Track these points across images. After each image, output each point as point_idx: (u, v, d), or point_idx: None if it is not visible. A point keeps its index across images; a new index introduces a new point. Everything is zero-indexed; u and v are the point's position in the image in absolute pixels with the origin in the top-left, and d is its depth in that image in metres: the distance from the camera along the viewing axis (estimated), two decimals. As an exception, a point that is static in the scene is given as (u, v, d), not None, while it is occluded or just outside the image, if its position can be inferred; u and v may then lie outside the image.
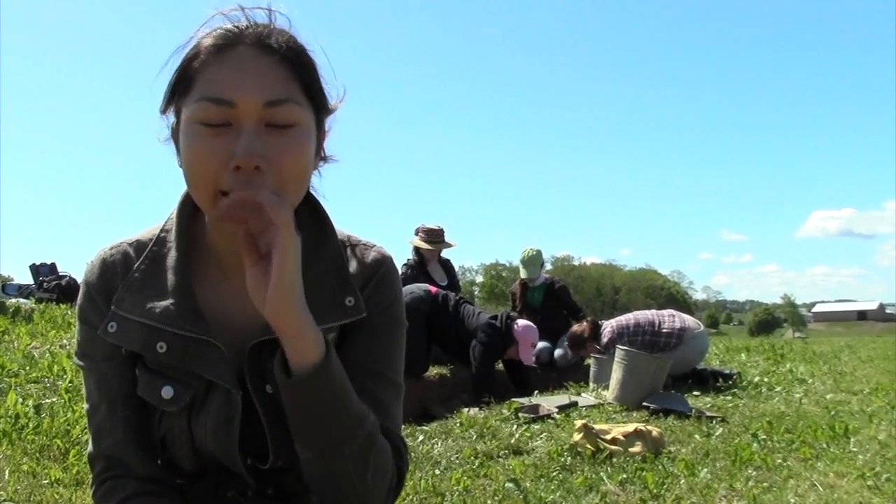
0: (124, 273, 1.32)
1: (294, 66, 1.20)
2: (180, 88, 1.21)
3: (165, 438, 1.34)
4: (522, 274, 8.32)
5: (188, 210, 1.34)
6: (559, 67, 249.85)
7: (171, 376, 1.30)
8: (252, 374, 1.29)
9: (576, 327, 6.98)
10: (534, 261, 8.21)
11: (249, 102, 1.14)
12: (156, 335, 1.27)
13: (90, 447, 1.37)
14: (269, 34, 1.20)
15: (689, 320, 6.70)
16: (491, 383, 6.15)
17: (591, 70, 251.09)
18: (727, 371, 6.79)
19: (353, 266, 1.37)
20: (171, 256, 1.32)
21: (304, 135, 1.19)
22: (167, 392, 1.29)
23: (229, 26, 1.20)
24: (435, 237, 7.85)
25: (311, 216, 1.38)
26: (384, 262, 1.41)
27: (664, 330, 6.45)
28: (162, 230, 1.35)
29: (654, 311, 6.87)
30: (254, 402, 1.29)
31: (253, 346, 1.29)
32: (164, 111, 1.26)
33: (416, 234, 7.88)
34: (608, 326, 6.68)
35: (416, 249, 7.84)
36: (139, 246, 1.35)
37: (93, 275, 1.34)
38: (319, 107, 1.26)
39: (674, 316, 6.70)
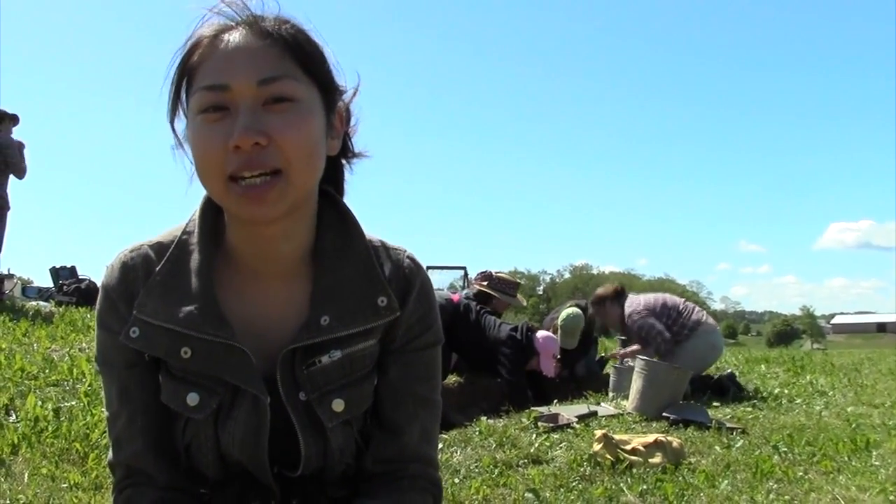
0: (145, 277, 1.29)
1: (289, 45, 1.19)
2: (185, 86, 1.22)
3: (190, 446, 1.32)
4: (560, 339, 6.90)
5: (211, 212, 1.33)
6: (580, 77, 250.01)
7: (196, 383, 1.28)
8: (285, 381, 1.28)
9: (601, 290, 7.07)
10: (575, 331, 7.05)
11: (243, 83, 1.14)
12: (180, 340, 1.24)
13: (110, 455, 1.36)
14: (264, 19, 1.20)
15: (708, 316, 6.85)
16: (526, 391, 6.17)
17: (611, 81, 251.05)
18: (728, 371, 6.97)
19: (387, 268, 1.36)
20: (195, 259, 1.29)
21: (305, 109, 1.18)
22: (192, 399, 1.27)
23: (225, 20, 1.21)
24: (512, 289, 7.32)
25: (337, 217, 1.36)
26: (420, 270, 1.40)
27: (682, 316, 6.64)
28: (183, 232, 1.33)
29: (681, 299, 7.05)
30: (278, 409, 1.28)
31: (286, 353, 1.27)
32: (172, 113, 1.25)
33: (486, 280, 7.27)
34: (638, 303, 6.76)
35: (483, 296, 7.18)
36: (160, 248, 1.32)
37: (113, 278, 1.31)
38: (324, 85, 1.24)
39: (696, 308, 6.87)
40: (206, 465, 1.33)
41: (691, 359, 6.31)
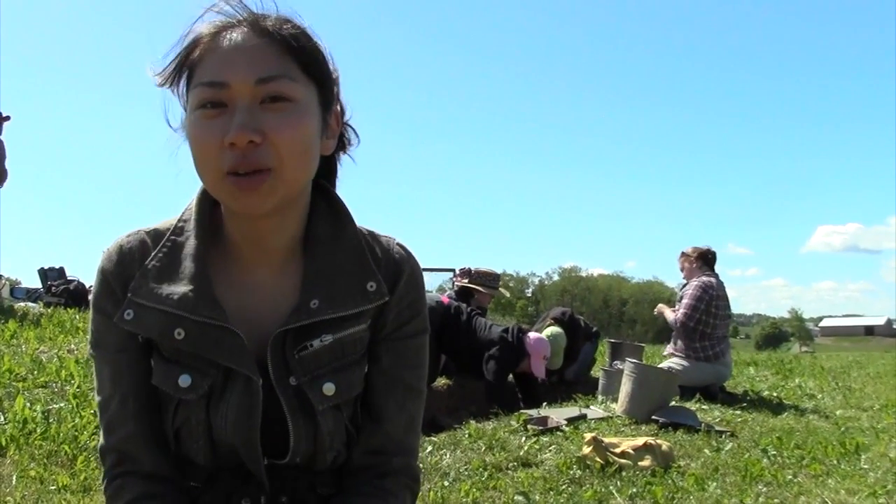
0: (141, 261, 1.31)
1: (289, 44, 1.20)
2: (185, 78, 1.24)
3: (181, 431, 1.32)
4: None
5: (206, 202, 1.35)
6: (569, 80, 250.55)
7: (188, 364, 1.29)
8: (276, 364, 1.29)
9: (696, 248, 7.22)
10: (558, 351, 6.93)
11: (241, 81, 1.16)
12: (173, 322, 1.26)
13: (101, 440, 1.36)
14: (265, 18, 1.22)
15: (730, 352, 7.09)
16: (504, 396, 6.13)
17: (600, 83, 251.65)
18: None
19: (378, 254, 1.38)
20: (190, 245, 1.31)
21: (301, 109, 1.20)
22: (184, 381, 1.28)
23: (225, 18, 1.22)
24: (493, 281, 7.39)
25: (329, 207, 1.39)
26: (409, 257, 1.43)
27: (715, 335, 6.76)
28: (180, 220, 1.35)
29: (728, 320, 7.19)
30: (268, 394, 1.29)
31: (276, 336, 1.28)
32: (169, 85, 1.26)
33: (466, 276, 7.37)
34: (711, 285, 6.88)
35: (465, 291, 7.28)
36: (156, 234, 1.35)
37: (110, 262, 1.33)
38: (322, 86, 1.26)
39: (727, 338, 7.03)
40: (196, 452, 1.33)
41: (696, 376, 6.51)
